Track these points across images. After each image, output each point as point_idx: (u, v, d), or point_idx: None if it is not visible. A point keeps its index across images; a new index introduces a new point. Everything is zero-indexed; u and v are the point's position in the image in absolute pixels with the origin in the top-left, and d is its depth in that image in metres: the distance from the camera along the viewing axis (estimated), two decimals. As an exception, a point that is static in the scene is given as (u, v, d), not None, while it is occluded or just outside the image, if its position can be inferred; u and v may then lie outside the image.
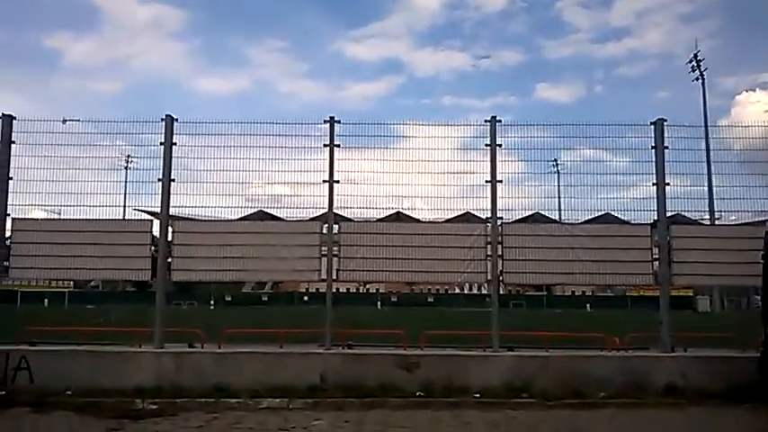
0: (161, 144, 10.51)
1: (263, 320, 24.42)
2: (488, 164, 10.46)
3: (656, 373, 9.78)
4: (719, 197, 10.72)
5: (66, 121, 10.71)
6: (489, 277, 10.46)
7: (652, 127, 10.67)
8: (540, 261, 10.44)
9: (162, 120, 10.57)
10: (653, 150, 10.59)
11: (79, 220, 10.47)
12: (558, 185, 11.12)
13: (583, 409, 9.02)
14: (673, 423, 8.55)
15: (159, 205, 10.43)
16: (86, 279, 12.09)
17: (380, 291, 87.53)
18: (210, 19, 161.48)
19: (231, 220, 10.53)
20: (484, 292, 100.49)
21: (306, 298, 71.81)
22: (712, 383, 9.52)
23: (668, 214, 10.45)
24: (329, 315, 10.30)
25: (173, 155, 10.52)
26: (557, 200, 11.12)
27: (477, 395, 9.38)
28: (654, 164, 10.55)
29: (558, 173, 11.32)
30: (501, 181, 10.44)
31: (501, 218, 10.40)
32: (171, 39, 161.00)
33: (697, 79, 76.98)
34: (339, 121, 10.53)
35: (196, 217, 10.80)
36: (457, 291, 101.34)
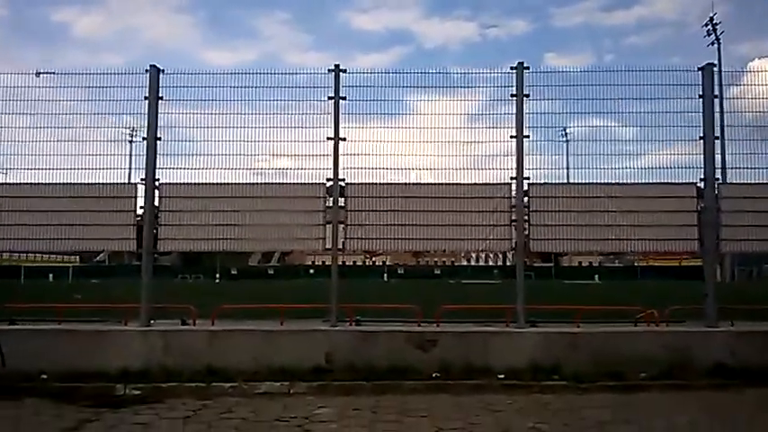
0: (145, 98, 9.34)
1: (267, 294, 23.52)
2: (508, 125, 9.25)
3: (701, 351, 8.67)
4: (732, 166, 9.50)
5: (39, 74, 9.54)
6: (514, 244, 9.31)
7: (699, 73, 9.39)
8: (572, 226, 9.27)
9: (146, 71, 9.38)
10: (700, 100, 9.33)
11: (54, 184, 9.37)
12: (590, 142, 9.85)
13: (622, 392, 7.95)
14: (734, 410, 7.37)
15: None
16: (64, 250, 11.09)
17: (387, 263, 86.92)
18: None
19: (224, 184, 9.38)
20: (491, 263, 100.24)
21: (312, 271, 71.23)
22: (765, 361, 8.43)
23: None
24: (335, 288, 9.21)
25: (159, 111, 9.35)
26: (588, 158, 9.87)
27: (502, 377, 8.32)
28: (701, 114, 9.30)
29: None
30: (528, 136, 9.25)
31: (528, 178, 9.22)
32: (176, 12, 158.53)
33: (713, 44, 74.83)
34: (345, 71, 9.31)
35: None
36: (464, 262, 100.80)
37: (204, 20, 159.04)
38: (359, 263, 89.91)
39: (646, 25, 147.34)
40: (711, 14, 73.09)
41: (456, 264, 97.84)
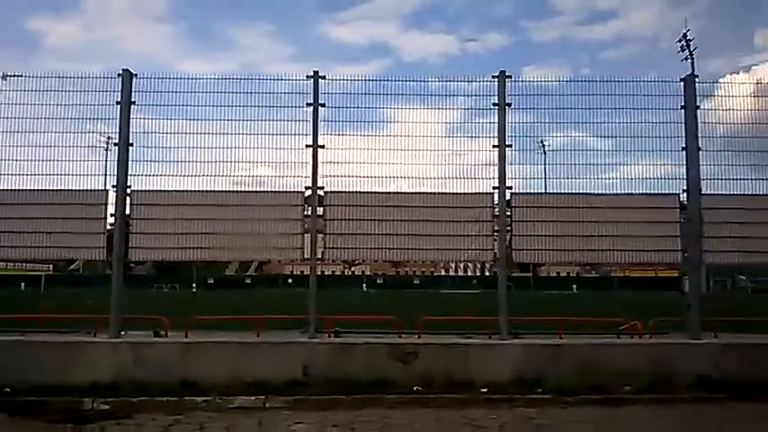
0: (117, 103, 9.04)
1: (244, 305, 23.06)
2: (489, 134, 9.13)
3: (685, 364, 8.56)
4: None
5: (6, 76, 9.19)
6: (496, 255, 9.14)
7: (681, 85, 9.36)
8: (555, 236, 9.13)
9: (119, 75, 9.09)
10: (682, 111, 9.28)
11: (22, 190, 9.01)
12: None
13: (607, 406, 7.78)
14: (721, 426, 7.21)
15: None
16: (33, 258, 10.71)
17: (366, 273, 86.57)
18: (196, 1, 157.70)
19: (199, 191, 9.07)
20: (470, 273, 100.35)
21: (290, 281, 70.57)
22: (750, 374, 8.34)
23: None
24: (313, 298, 8.96)
25: (131, 116, 9.06)
26: (569, 169, 9.73)
27: (484, 390, 8.12)
28: (683, 125, 9.26)
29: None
30: (510, 146, 9.11)
31: (510, 187, 9.07)
32: (156, 21, 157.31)
33: (686, 59, 76.02)
34: (324, 77, 9.12)
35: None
36: (443, 272, 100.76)
37: (185, 30, 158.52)
38: (338, 272, 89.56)
39: (621, 40, 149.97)
40: (684, 30, 74.19)
41: (435, 274, 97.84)
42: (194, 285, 70.47)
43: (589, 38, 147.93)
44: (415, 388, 8.17)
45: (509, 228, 9.15)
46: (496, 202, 9.09)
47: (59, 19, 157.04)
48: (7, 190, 9.00)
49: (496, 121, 9.15)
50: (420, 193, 9.20)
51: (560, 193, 9.27)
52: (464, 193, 9.18)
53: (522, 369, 8.46)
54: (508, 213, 9.14)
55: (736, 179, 9.32)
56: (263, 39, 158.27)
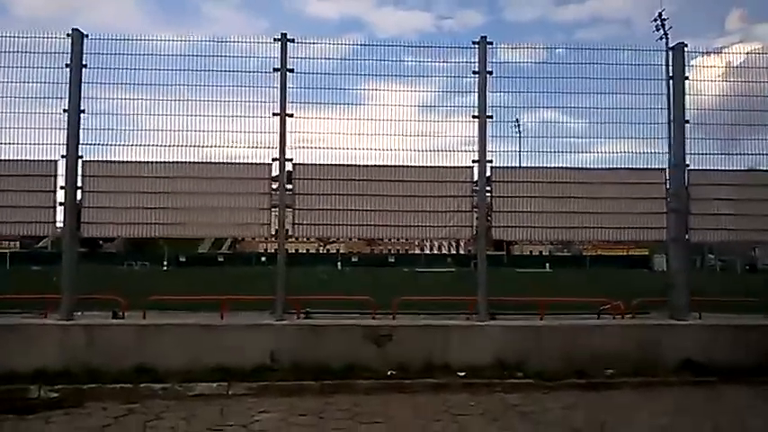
0: (67, 66, 8.27)
1: (213, 283, 22.39)
2: (469, 104, 8.57)
3: (670, 346, 8.23)
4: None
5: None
6: (475, 231, 8.65)
7: (668, 54, 8.91)
8: (536, 213, 8.68)
9: (68, 35, 8.31)
10: (669, 81, 8.85)
11: (-40, 159, 8.24)
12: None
13: (590, 390, 7.44)
14: (708, 411, 6.80)
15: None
16: None
17: (340, 251, 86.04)
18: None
19: (157, 162, 8.39)
20: (444, 251, 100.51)
21: (264, 259, 69.66)
22: (736, 356, 8.05)
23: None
24: (282, 277, 8.39)
25: (82, 80, 8.31)
26: (550, 142, 9.25)
27: (463, 374, 7.69)
28: (668, 96, 8.83)
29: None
30: (491, 117, 8.57)
31: (490, 161, 8.57)
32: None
33: (661, 38, 75.97)
34: (293, 40, 8.45)
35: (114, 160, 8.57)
36: (417, 251, 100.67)
37: (154, 1, 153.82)
38: (312, 250, 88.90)
39: (597, 21, 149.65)
40: (659, 10, 73.88)
41: (410, 252, 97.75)
42: (165, 263, 69.30)
43: (565, 18, 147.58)
44: (389, 372, 7.70)
45: (488, 203, 8.65)
46: (476, 177, 8.57)
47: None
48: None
49: (476, 90, 8.59)
50: (395, 166, 8.62)
51: (542, 167, 8.77)
52: (442, 167, 8.64)
53: (503, 352, 8.05)
54: (488, 189, 8.64)
55: (722, 154, 8.95)
56: (234, 11, 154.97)
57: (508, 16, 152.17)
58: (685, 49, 8.90)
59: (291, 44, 8.45)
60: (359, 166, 8.56)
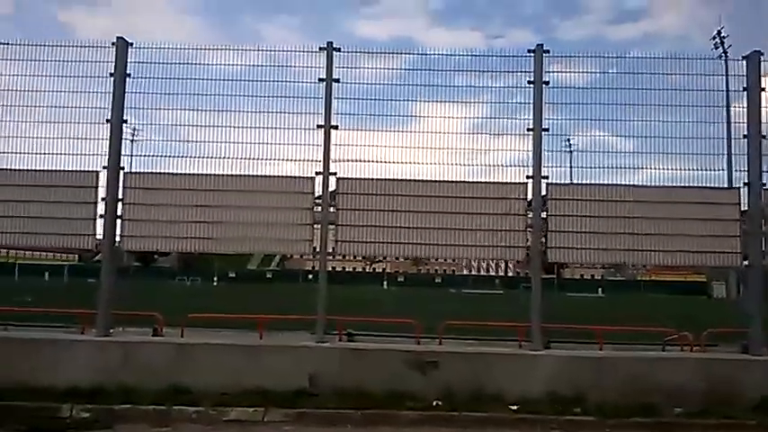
0: (110, 75, 8.16)
1: (256, 301, 22.21)
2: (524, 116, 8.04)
3: (747, 383, 7.43)
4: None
5: (-1, 44, 8.35)
6: (529, 252, 8.07)
7: (743, 63, 8.21)
8: (596, 234, 8.04)
9: (113, 44, 8.21)
10: (744, 92, 8.13)
11: (6, 170, 8.18)
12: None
13: (659, 431, 6.71)
14: None
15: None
16: (15, 245, 9.90)
17: (386, 270, 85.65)
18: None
19: (198, 175, 8.16)
20: (492, 273, 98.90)
21: (311, 276, 69.83)
22: (823, 397, 7.19)
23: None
24: (323, 297, 7.98)
25: (126, 90, 8.17)
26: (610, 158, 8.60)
27: (514, 407, 7.09)
28: (746, 110, 8.11)
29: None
30: (547, 130, 8.04)
31: (546, 177, 8.01)
32: (184, 13, 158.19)
33: (720, 57, 73.49)
34: (339, 49, 8.13)
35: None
36: (465, 272, 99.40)
37: (209, 23, 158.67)
38: (358, 269, 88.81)
39: (652, 39, 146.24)
40: (719, 28, 71.30)
41: (457, 273, 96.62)
42: (215, 279, 70.29)
43: (618, 37, 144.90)
44: (435, 402, 7.16)
45: (543, 222, 8.07)
46: (530, 194, 8.01)
47: (89, 13, 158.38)
48: (-8, 170, 8.18)
49: (531, 101, 8.07)
50: (445, 181, 8.15)
51: (603, 185, 8.15)
52: (494, 183, 8.13)
53: (558, 384, 7.41)
54: (543, 206, 8.07)
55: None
56: (288, 33, 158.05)
57: (560, 35, 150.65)
58: (761, 57, 8.18)
59: (338, 54, 8.13)
60: (405, 180, 8.12)
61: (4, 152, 8.15)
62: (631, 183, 8.29)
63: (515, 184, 8.05)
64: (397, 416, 6.83)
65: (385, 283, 71.92)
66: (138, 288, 30.16)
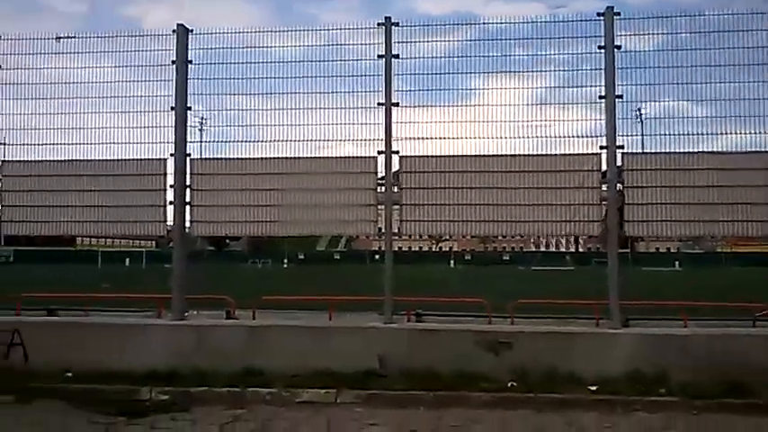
0: (172, 63, 8.23)
1: (324, 281, 22.47)
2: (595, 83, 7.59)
3: None
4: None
5: (60, 38, 8.56)
6: (605, 227, 7.68)
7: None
8: (677, 205, 7.55)
9: (173, 32, 8.27)
10: None
11: (78, 161, 8.44)
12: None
13: (753, 413, 6.26)
14: None
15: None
16: (90, 234, 10.34)
17: (453, 249, 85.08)
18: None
19: (263, 159, 8.17)
20: (562, 249, 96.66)
21: (377, 257, 70.26)
22: None
23: None
24: (389, 278, 7.86)
25: (188, 76, 8.23)
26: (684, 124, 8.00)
27: (593, 388, 6.79)
28: None
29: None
30: (621, 96, 7.57)
31: (622, 147, 7.56)
32: (242, 2, 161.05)
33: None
34: (397, 24, 7.89)
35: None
36: (533, 248, 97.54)
37: (270, 10, 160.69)
38: (424, 248, 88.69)
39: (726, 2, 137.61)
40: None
41: (525, 250, 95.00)
42: (286, 261, 71.74)
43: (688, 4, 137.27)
44: (509, 384, 6.95)
45: (620, 195, 7.64)
46: (604, 166, 7.60)
47: (153, 5, 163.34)
48: (62, 161, 8.45)
49: (603, 67, 7.62)
50: (513, 155, 7.85)
51: (682, 153, 7.62)
52: (565, 155, 7.76)
53: (639, 363, 7.04)
54: (619, 178, 7.64)
55: None
56: (345, 15, 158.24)
57: (625, 0, 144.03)
58: None
59: (396, 29, 7.89)
60: (471, 156, 7.87)
61: (75, 143, 8.37)
62: (710, 149, 7.74)
63: (588, 155, 7.65)
64: (469, 397, 6.66)
65: (452, 261, 71.42)
66: (212, 272, 31.09)
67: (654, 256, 76.29)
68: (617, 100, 7.54)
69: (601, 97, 7.60)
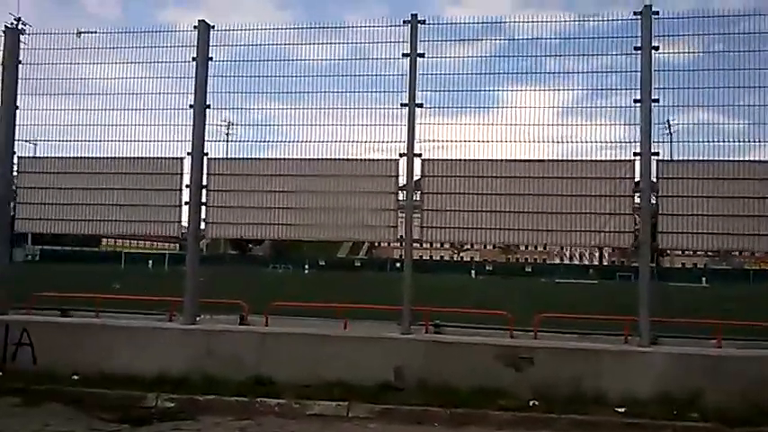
0: (193, 59, 8.03)
1: (344, 289, 22.14)
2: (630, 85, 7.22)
3: None
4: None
5: (80, 33, 8.42)
6: (638, 238, 7.27)
7: None
8: (715, 216, 7.11)
9: (195, 28, 8.08)
10: None
11: (94, 158, 8.27)
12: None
13: (793, 443, 5.82)
14: None
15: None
16: (103, 233, 10.16)
17: (474, 259, 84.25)
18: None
19: (282, 159, 7.93)
20: (585, 262, 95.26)
21: (398, 264, 69.78)
22: None
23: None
24: (408, 286, 7.54)
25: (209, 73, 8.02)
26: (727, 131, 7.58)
27: (621, 410, 6.38)
28: None
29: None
30: (657, 100, 7.18)
31: (657, 153, 7.16)
32: (277, 8, 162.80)
33: None
34: (423, 21, 7.60)
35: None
36: (556, 260, 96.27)
37: (302, 16, 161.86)
38: (446, 257, 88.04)
39: (761, 8, 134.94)
40: None
41: (548, 261, 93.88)
42: (306, 267, 71.68)
43: (723, 8, 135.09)
44: (530, 402, 6.57)
45: (654, 205, 7.24)
46: (637, 174, 7.20)
47: (187, 9, 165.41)
48: (79, 158, 8.29)
49: (639, 69, 7.24)
50: (540, 160, 7.48)
51: (723, 161, 7.17)
52: (596, 161, 7.37)
53: (670, 384, 6.61)
54: (654, 186, 7.24)
55: None
56: (372, 19, 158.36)
57: (659, 9, 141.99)
58: None
59: (423, 27, 7.60)
60: (497, 161, 7.50)
61: (91, 140, 8.20)
62: (749, 159, 7.30)
63: (621, 161, 7.26)
64: (488, 416, 6.30)
65: (473, 272, 70.70)
66: (232, 275, 31.05)
67: (679, 271, 74.58)
68: (653, 104, 7.14)
69: (636, 101, 7.20)
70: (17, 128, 8.31)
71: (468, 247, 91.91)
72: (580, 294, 27.53)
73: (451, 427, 6.13)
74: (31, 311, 9.11)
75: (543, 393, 6.64)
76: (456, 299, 18.44)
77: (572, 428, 6.09)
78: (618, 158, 7.26)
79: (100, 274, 28.92)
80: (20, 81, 8.38)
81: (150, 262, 69.12)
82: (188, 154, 8.02)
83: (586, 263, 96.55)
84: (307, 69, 7.83)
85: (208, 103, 8.01)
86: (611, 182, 7.26)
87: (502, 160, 7.50)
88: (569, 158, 7.45)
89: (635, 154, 7.20)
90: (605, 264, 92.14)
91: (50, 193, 8.28)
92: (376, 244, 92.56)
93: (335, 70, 7.75)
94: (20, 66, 8.37)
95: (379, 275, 49.16)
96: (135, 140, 8.18)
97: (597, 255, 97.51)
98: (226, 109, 8.07)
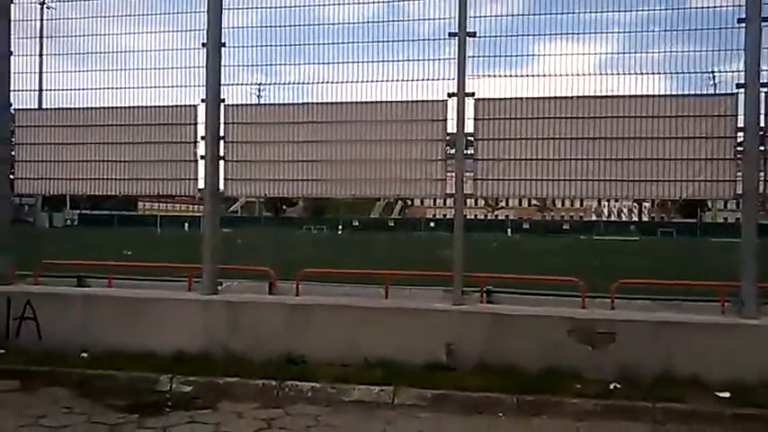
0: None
1: (380, 249, 21.16)
2: None
3: None
4: None
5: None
6: (742, 189, 5.97)
7: None
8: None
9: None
10: None
11: (99, 108, 7.27)
12: None
13: None
14: None
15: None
16: (109, 193, 9.15)
17: (509, 217, 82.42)
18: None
19: (309, 103, 6.81)
20: (624, 218, 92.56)
21: (432, 224, 68.57)
22: None
23: None
24: (459, 249, 6.41)
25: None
26: None
27: (725, 395, 5.25)
28: None
29: None
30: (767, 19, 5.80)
31: (766, 84, 5.82)
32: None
33: None
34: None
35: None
36: (594, 217, 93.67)
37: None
38: (480, 216, 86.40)
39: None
40: None
41: (585, 219, 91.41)
42: (340, 228, 71.09)
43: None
44: (610, 386, 5.48)
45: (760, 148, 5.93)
46: (743, 109, 5.88)
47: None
48: (81, 109, 7.29)
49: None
50: (615, 96, 6.19)
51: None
52: (685, 95, 6.07)
53: (785, 365, 5.44)
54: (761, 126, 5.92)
55: None
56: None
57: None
58: None
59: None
60: (565, 98, 6.24)
61: (94, 88, 7.18)
62: None
63: (720, 95, 5.93)
64: (563, 404, 5.22)
65: (509, 230, 68.99)
66: (264, 238, 30.42)
67: (722, 227, 71.61)
68: (763, 24, 5.78)
69: (740, 20, 5.84)
70: (13, 76, 7.34)
71: (503, 204, 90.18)
72: (636, 252, 25.95)
73: (519, 416, 5.08)
74: (38, 281, 8.29)
75: (627, 375, 5.56)
76: (500, 261, 17.29)
77: (668, 420, 4.98)
78: (717, 92, 5.93)
79: (127, 239, 28.53)
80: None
81: (186, 224, 69.21)
82: (202, 101, 6.94)
83: (625, 219, 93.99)
84: None
85: (223, 41, 6.89)
86: (706, 120, 5.95)
87: (571, 97, 6.23)
88: (651, 94, 6.13)
89: (737, 85, 5.87)
90: (645, 219, 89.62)
91: (51, 149, 7.33)
92: (409, 203, 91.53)
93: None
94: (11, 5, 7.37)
95: (413, 235, 48.13)
96: (144, 87, 7.13)
97: (636, 211, 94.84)
98: (243, 47, 6.93)
